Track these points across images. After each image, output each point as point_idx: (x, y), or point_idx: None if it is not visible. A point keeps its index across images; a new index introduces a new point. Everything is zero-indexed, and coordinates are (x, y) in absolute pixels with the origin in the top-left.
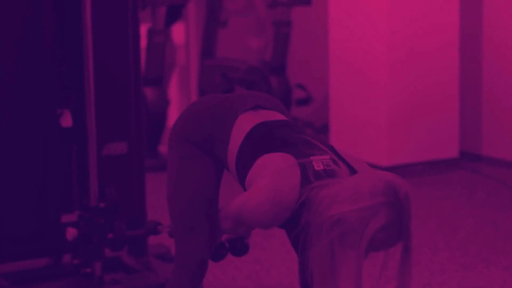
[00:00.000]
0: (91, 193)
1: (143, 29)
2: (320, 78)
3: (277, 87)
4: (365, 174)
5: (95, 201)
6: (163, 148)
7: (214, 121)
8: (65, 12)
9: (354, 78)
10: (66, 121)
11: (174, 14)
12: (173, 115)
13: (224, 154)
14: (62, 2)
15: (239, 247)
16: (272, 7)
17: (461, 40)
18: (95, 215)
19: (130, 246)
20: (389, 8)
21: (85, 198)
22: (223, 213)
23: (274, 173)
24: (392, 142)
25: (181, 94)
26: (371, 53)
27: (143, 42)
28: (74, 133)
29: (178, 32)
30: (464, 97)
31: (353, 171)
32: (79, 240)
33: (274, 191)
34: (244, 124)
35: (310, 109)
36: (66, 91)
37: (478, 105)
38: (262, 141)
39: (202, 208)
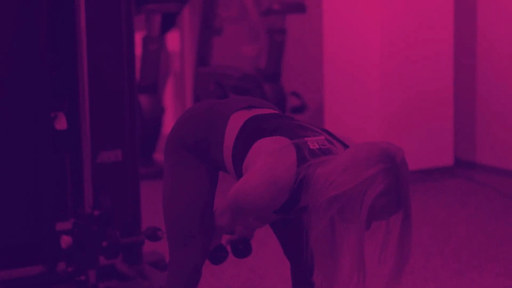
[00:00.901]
0: (85, 201)
1: (138, 37)
2: (314, 86)
3: (272, 94)
4: (360, 144)
5: (89, 209)
6: (158, 156)
7: (207, 124)
8: (58, 18)
9: (349, 86)
10: (61, 124)
11: (169, 21)
12: (167, 122)
13: (220, 153)
14: (56, 8)
15: (242, 249)
16: (266, 15)
17: (455, 48)
18: (90, 223)
19: (124, 254)
20: (383, 16)
21: (79, 206)
22: (219, 210)
23: (268, 154)
24: None
25: (176, 102)
26: (365, 61)
27: (138, 50)
28: (68, 138)
29: (172, 39)
30: (458, 105)
31: None
32: (74, 247)
33: (270, 171)
34: (237, 121)
35: (305, 117)
36: (60, 96)
37: (472, 113)
38: (255, 130)
39: (197, 215)
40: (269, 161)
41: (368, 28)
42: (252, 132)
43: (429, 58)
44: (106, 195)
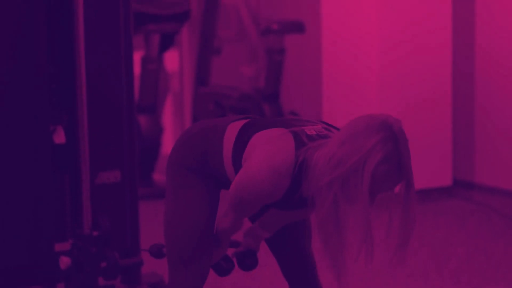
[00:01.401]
0: (84, 222)
1: (137, 56)
2: (313, 105)
3: (271, 114)
4: (357, 117)
5: (88, 230)
6: (157, 176)
7: (205, 139)
8: (57, 35)
9: (347, 106)
10: (59, 137)
11: (168, 41)
12: (166, 142)
13: (221, 163)
14: (54, 23)
15: (248, 261)
16: (265, 35)
17: (453, 69)
18: (89, 244)
19: (123, 275)
20: (382, 36)
21: (78, 227)
22: (222, 213)
23: (266, 143)
24: None
25: (175, 122)
26: (364, 81)
27: (137, 69)
28: (67, 158)
29: (171, 59)
30: (457, 125)
31: None
32: (73, 269)
33: (268, 157)
34: (233, 129)
35: None
36: (59, 110)
37: (471, 133)
38: (252, 128)
39: (197, 238)
40: (267, 148)
41: (367, 47)
42: (249, 131)
43: (427, 78)
44: (105, 216)
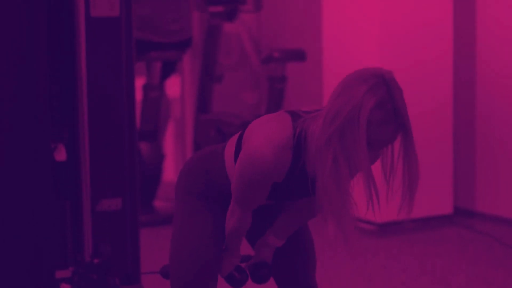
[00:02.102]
0: (85, 249)
1: (138, 83)
2: None
3: None
4: (349, 73)
5: (89, 257)
6: (158, 203)
7: (206, 160)
8: (58, 62)
9: None
10: (60, 155)
11: (169, 69)
12: (168, 169)
13: (224, 176)
14: (56, 48)
15: (262, 274)
16: (266, 63)
17: (454, 98)
18: (89, 271)
19: None
20: (381, 58)
21: (79, 254)
22: (228, 212)
23: (263, 123)
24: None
25: (176, 148)
26: None
27: (138, 96)
28: (67, 186)
29: (173, 85)
30: (458, 153)
31: None
32: None
33: (267, 133)
34: (232, 140)
35: None
36: (60, 132)
37: (472, 162)
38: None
39: (200, 266)
40: (264, 127)
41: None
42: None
43: (429, 106)
44: (106, 243)
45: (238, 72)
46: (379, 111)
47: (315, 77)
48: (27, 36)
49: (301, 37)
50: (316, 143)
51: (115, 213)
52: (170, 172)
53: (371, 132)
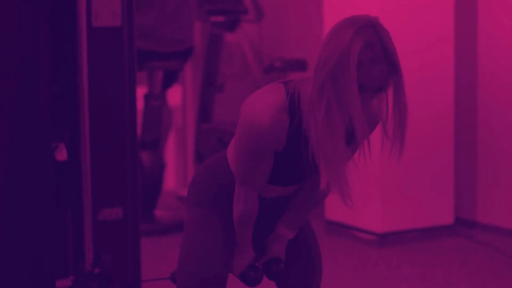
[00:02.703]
0: (86, 259)
1: (140, 92)
2: None
3: None
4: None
5: (90, 266)
6: (159, 212)
7: (211, 166)
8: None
9: None
10: (61, 155)
11: (171, 78)
12: (169, 178)
13: (230, 175)
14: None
15: (276, 269)
16: (268, 72)
17: (456, 108)
18: (90, 280)
19: None
20: None
21: (80, 263)
22: (234, 203)
23: (256, 94)
24: (386, 209)
25: (178, 157)
26: None
27: (140, 105)
28: (69, 196)
29: (175, 94)
30: (459, 164)
31: None
32: None
33: (261, 100)
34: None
35: None
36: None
37: (473, 172)
38: None
39: (209, 279)
40: (257, 96)
41: None
42: None
43: (429, 117)
44: (107, 253)
45: (240, 81)
46: (369, 50)
47: None
48: (29, 48)
49: (302, 47)
50: (309, 93)
51: (116, 222)
52: (171, 181)
53: (363, 74)
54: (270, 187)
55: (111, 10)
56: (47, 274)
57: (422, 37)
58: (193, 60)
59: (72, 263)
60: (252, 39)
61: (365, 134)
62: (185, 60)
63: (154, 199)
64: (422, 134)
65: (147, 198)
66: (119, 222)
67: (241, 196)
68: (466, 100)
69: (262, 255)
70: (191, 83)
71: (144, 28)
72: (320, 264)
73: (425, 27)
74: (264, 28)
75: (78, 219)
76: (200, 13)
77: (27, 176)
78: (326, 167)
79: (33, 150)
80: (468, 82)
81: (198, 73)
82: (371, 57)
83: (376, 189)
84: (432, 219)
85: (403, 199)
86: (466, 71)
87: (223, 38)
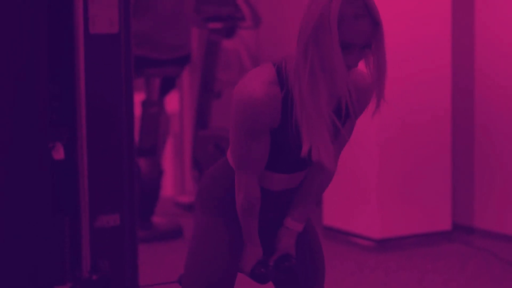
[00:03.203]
0: (83, 265)
1: (138, 99)
2: None
3: None
4: None
5: (87, 273)
6: (156, 219)
7: (214, 172)
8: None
9: (345, 152)
10: (58, 154)
11: (168, 85)
12: (166, 185)
13: (232, 176)
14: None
15: (287, 265)
16: None
17: (453, 115)
18: (88, 287)
19: None
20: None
21: (77, 270)
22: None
23: (245, 75)
24: (384, 215)
25: (175, 164)
26: (362, 132)
27: (137, 112)
28: (67, 202)
29: (172, 101)
30: (456, 170)
31: None
32: None
33: (251, 77)
34: None
35: None
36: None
37: (471, 178)
38: None
39: (212, 285)
40: (247, 75)
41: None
42: None
43: (426, 125)
44: (104, 259)
45: None
46: (350, 5)
47: None
48: (27, 57)
49: None
50: (295, 58)
51: (113, 229)
52: (168, 187)
53: (345, 30)
54: (272, 176)
55: (108, 17)
56: (44, 281)
57: (419, 42)
58: (191, 66)
59: (70, 269)
60: (249, 45)
61: (353, 102)
62: (183, 67)
63: (152, 205)
64: (420, 139)
65: (144, 204)
66: (116, 228)
67: (241, 182)
68: (463, 105)
69: (272, 253)
70: (189, 89)
71: (141, 35)
72: (323, 266)
73: (422, 32)
74: (261, 35)
75: (75, 225)
76: (197, 19)
77: (24, 180)
78: (308, 131)
79: (30, 157)
80: (465, 87)
81: (195, 79)
82: (353, 13)
83: (374, 195)
84: (430, 224)
85: (401, 205)
86: (463, 76)
87: (220, 45)
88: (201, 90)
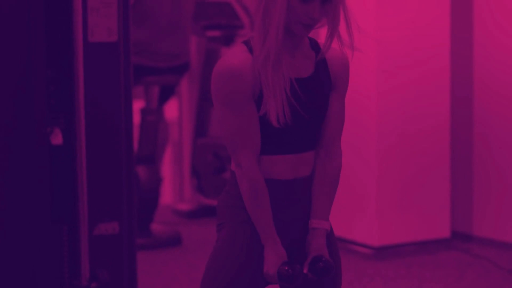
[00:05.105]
0: (82, 274)
1: (136, 107)
2: None
3: None
4: None
5: (86, 282)
6: (155, 227)
7: (226, 187)
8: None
9: (344, 160)
10: (57, 139)
11: (167, 93)
12: (165, 193)
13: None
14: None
15: (322, 266)
16: None
17: (452, 124)
18: None
19: None
20: (378, 106)
21: (76, 279)
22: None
23: None
24: (383, 223)
25: (174, 172)
26: (362, 140)
27: (136, 120)
28: (65, 212)
29: (171, 108)
30: (455, 177)
31: None
32: None
33: (223, 57)
34: None
35: None
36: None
37: (469, 186)
38: None
39: None
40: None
41: (365, 105)
42: None
43: (426, 133)
44: (103, 268)
45: None
46: None
47: None
48: (26, 66)
49: None
50: (254, 19)
51: (112, 237)
52: (167, 195)
53: None
54: (271, 159)
55: (107, 26)
56: None
57: (418, 51)
58: (190, 74)
59: (68, 278)
60: None
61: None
62: (182, 75)
63: (151, 213)
64: (419, 147)
65: (143, 212)
66: (115, 237)
67: (241, 167)
68: (462, 113)
69: (304, 258)
70: (188, 97)
71: (140, 44)
72: (340, 271)
73: (422, 41)
74: None
75: (74, 234)
76: (196, 28)
77: (23, 183)
78: (266, 94)
79: (29, 161)
80: (464, 96)
81: (194, 87)
82: None
83: (373, 202)
84: (428, 232)
85: (399, 213)
86: (462, 85)
87: (219, 53)
88: (200, 98)
